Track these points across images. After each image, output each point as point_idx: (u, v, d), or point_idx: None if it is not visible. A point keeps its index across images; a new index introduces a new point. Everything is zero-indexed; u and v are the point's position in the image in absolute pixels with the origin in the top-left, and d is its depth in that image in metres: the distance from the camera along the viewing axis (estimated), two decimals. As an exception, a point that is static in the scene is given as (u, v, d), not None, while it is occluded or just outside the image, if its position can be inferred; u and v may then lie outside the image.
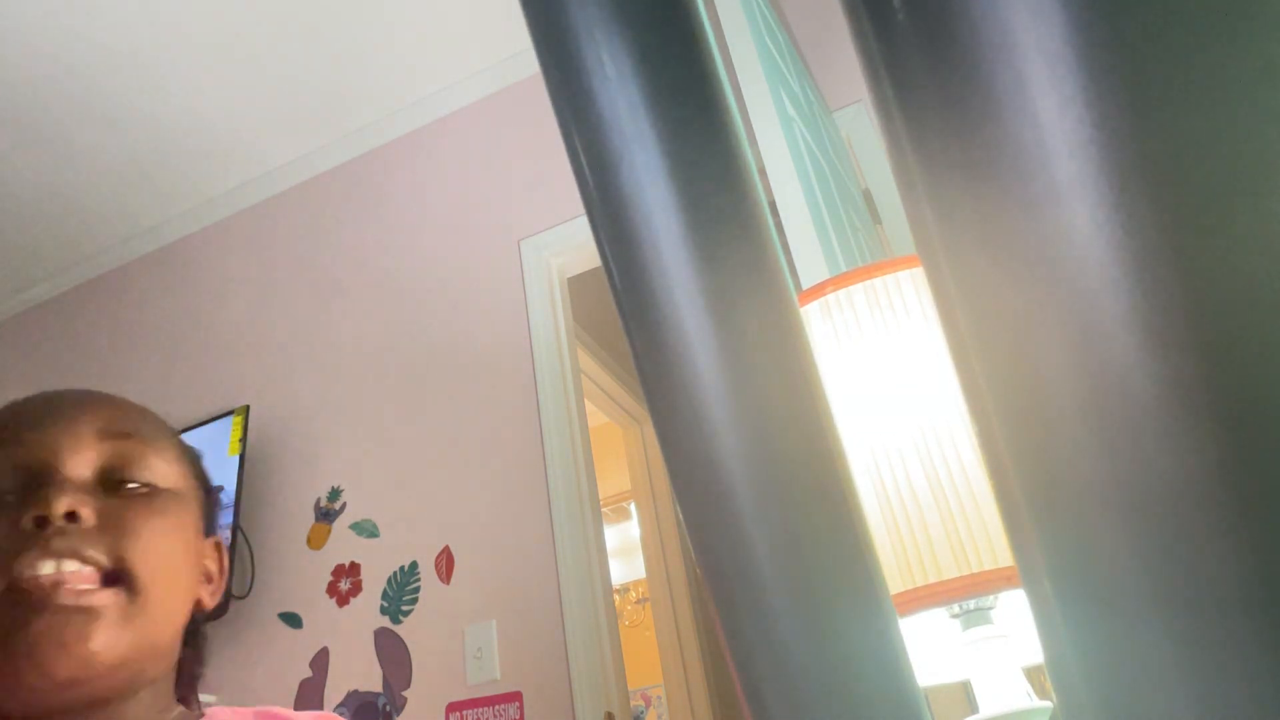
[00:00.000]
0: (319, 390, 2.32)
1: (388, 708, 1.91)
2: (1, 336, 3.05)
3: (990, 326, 0.14)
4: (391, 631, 1.99)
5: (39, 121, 2.38)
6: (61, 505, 0.49)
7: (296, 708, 1.98)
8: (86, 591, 0.48)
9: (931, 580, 0.60)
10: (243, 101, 2.43)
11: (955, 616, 0.69)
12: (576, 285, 2.39)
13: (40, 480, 0.52)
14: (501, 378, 2.12)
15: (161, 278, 2.79)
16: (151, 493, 0.55)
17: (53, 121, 2.38)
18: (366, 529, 2.12)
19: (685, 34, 0.20)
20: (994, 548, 0.60)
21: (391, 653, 1.97)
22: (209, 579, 0.62)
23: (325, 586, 2.09)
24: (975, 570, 0.60)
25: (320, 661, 2.02)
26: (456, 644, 1.91)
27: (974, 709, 0.75)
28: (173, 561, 0.54)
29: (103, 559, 0.50)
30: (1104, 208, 0.12)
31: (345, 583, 2.08)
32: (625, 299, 0.20)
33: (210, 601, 0.61)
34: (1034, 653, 0.76)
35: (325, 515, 2.17)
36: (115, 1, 2.10)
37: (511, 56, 2.45)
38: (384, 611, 2.01)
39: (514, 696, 1.81)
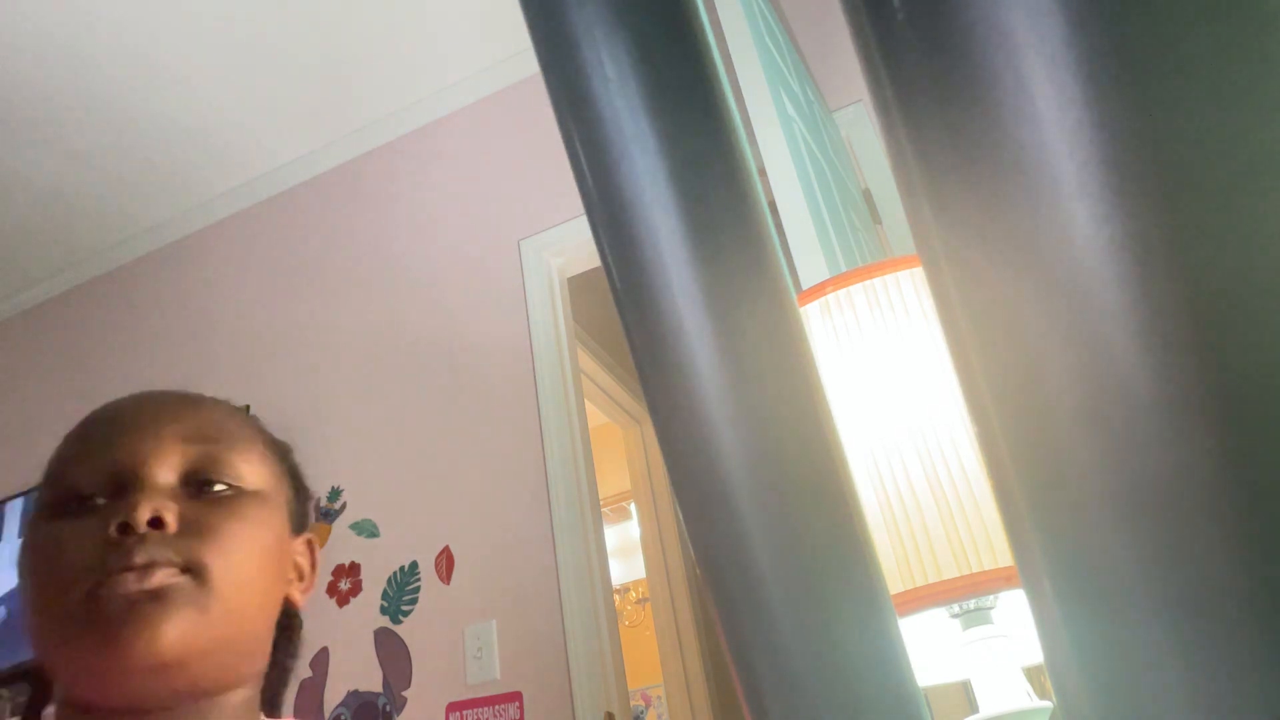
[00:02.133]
0: (319, 390, 2.32)
1: (388, 708, 1.91)
2: (2, 336, 3.05)
3: (990, 326, 0.14)
4: (391, 631, 1.99)
5: (40, 121, 2.38)
6: (145, 513, 0.51)
7: (296, 708, 1.98)
8: (159, 578, 0.50)
9: (931, 580, 0.60)
10: (243, 101, 2.43)
11: (955, 616, 0.69)
12: (576, 285, 2.39)
13: (127, 485, 0.54)
14: (501, 378, 2.12)
15: (162, 277, 2.80)
16: (235, 495, 0.57)
17: (54, 121, 2.38)
18: (366, 529, 2.12)
19: (685, 34, 0.20)
20: (994, 548, 0.60)
21: (391, 653, 1.97)
22: (300, 576, 0.63)
23: (325, 586, 2.09)
24: (975, 570, 0.60)
25: (320, 661, 2.02)
26: (456, 644, 1.91)
27: (974, 709, 0.75)
28: (251, 560, 0.55)
29: (179, 560, 0.51)
30: (1103, 208, 0.12)
31: (345, 583, 2.08)
32: (625, 299, 0.20)
33: (301, 598, 0.63)
34: (1034, 653, 0.76)
35: (325, 515, 2.17)
36: (116, 1, 2.10)
37: (511, 56, 2.45)
38: (384, 611, 2.01)
39: (514, 696, 1.81)
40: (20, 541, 0.54)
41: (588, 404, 2.48)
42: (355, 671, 1.98)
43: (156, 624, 0.48)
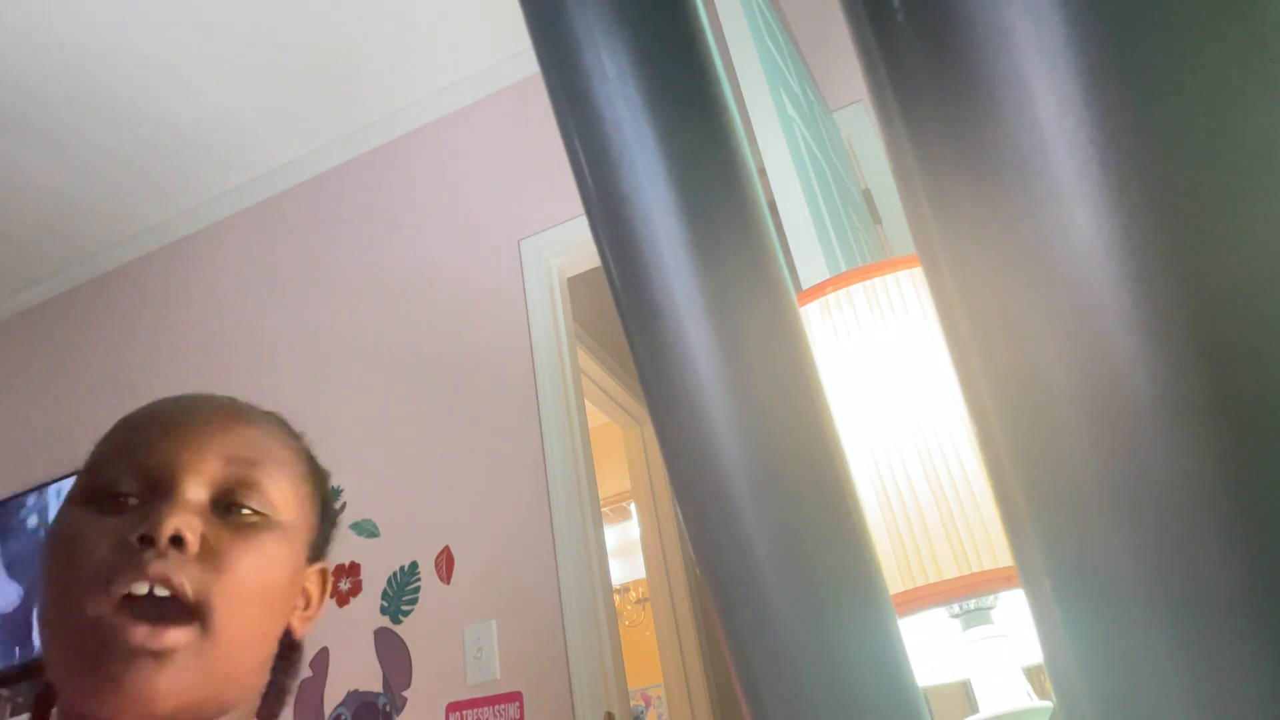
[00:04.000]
0: (319, 390, 2.32)
1: (388, 708, 1.91)
2: (2, 336, 3.05)
3: (990, 326, 0.14)
4: (391, 631, 1.99)
5: (40, 121, 2.38)
6: (169, 529, 0.52)
7: (296, 708, 1.99)
8: (159, 634, 0.50)
9: (931, 580, 0.60)
10: (244, 101, 2.43)
11: (955, 616, 0.69)
12: (576, 285, 2.39)
13: (159, 491, 0.54)
14: (501, 378, 2.12)
15: (162, 277, 2.80)
16: (260, 524, 0.57)
17: (54, 121, 2.38)
18: (366, 529, 2.12)
19: (685, 34, 0.20)
20: (994, 548, 0.60)
21: (391, 653, 1.97)
22: (307, 603, 0.63)
23: (325, 586, 2.09)
24: (975, 570, 0.60)
25: (320, 661, 2.02)
26: (456, 644, 1.91)
27: (974, 709, 0.76)
28: (258, 598, 0.55)
29: (189, 589, 0.51)
30: (1103, 207, 0.12)
31: (345, 583, 2.08)
32: (625, 299, 0.20)
33: (301, 628, 0.62)
34: (1034, 653, 0.76)
35: (325, 515, 2.17)
36: (116, 0, 2.10)
37: (512, 56, 2.45)
38: (384, 611, 2.01)
39: (514, 696, 1.81)
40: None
41: (588, 404, 2.48)
42: (355, 671, 1.98)
43: (156, 682, 0.49)
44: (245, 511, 0.56)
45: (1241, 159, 0.11)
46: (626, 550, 4.63)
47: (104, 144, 2.48)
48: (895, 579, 0.62)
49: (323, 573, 0.65)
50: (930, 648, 0.77)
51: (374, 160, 2.58)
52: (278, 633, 0.59)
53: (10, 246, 2.80)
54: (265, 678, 0.60)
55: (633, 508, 3.68)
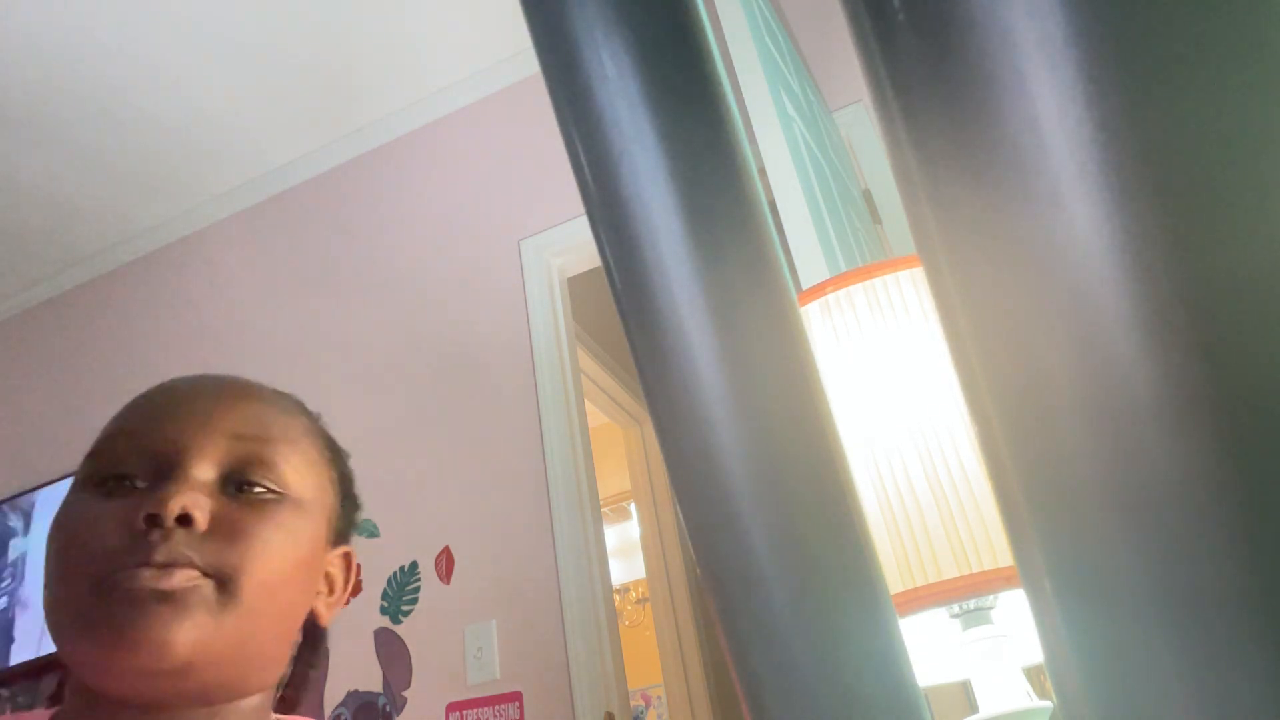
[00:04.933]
0: (319, 389, 2.32)
1: (388, 708, 1.91)
2: (1, 336, 3.05)
3: (990, 326, 0.14)
4: (391, 631, 1.99)
5: (40, 121, 2.38)
6: (175, 507, 0.49)
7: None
8: (167, 574, 0.48)
9: (931, 580, 0.60)
10: (242, 101, 2.43)
11: (955, 616, 0.69)
12: (576, 285, 2.39)
13: (165, 472, 0.52)
14: (501, 378, 2.12)
15: (162, 277, 2.79)
16: (274, 500, 0.54)
17: (54, 121, 2.38)
18: (366, 529, 2.12)
19: (685, 34, 0.20)
20: (994, 548, 0.60)
21: (391, 653, 1.97)
22: (331, 589, 0.60)
23: (325, 586, 2.09)
24: (975, 570, 0.60)
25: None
26: (456, 644, 1.91)
27: (974, 709, 0.76)
28: (279, 572, 0.52)
29: (201, 563, 0.49)
30: (1105, 208, 0.12)
31: (345, 583, 2.08)
32: (625, 299, 0.20)
33: (327, 613, 0.60)
34: (1034, 653, 0.76)
35: (325, 515, 2.17)
36: (115, 1, 2.10)
37: (511, 56, 2.45)
38: (384, 611, 2.01)
39: (514, 696, 1.81)
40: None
41: (588, 404, 2.48)
42: (355, 671, 1.98)
43: (168, 626, 0.46)
44: (258, 489, 0.54)
45: (1242, 159, 0.11)
46: (626, 550, 4.63)
47: (104, 144, 2.48)
48: (895, 579, 0.62)
49: (347, 557, 0.62)
50: (930, 648, 0.77)
51: (374, 160, 2.58)
52: (301, 613, 0.56)
53: (10, 247, 2.80)
54: (287, 663, 0.57)
55: (633, 508, 3.68)
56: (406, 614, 1.99)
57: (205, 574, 0.49)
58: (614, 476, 4.31)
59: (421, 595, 1.99)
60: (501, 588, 1.92)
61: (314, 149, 2.64)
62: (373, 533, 2.11)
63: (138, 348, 2.72)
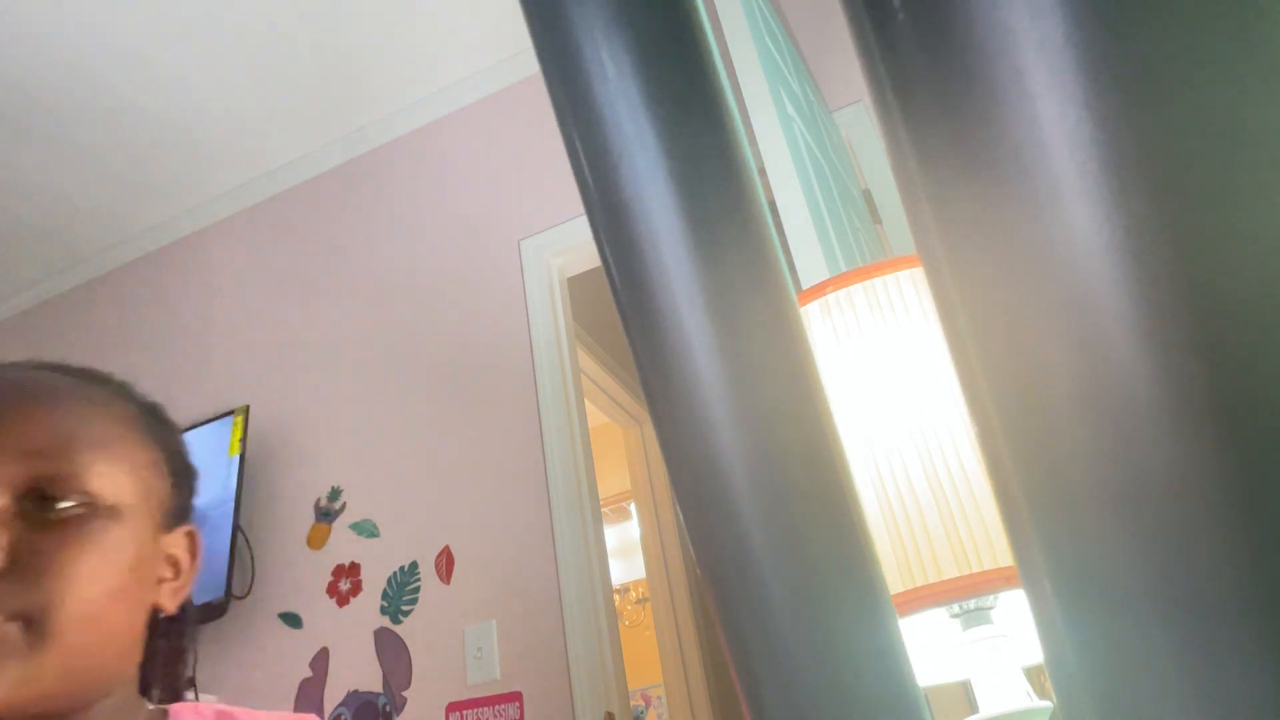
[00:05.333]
0: (319, 390, 2.32)
1: (388, 708, 1.91)
2: (1, 336, 3.05)
3: (990, 326, 0.14)
4: (391, 631, 1.99)
5: (40, 121, 2.38)
6: None
7: (296, 708, 1.98)
8: None
9: (931, 580, 0.60)
10: (243, 101, 2.43)
11: (955, 616, 0.69)
12: (576, 285, 2.39)
13: None
14: (501, 378, 2.12)
15: (162, 277, 2.80)
16: (86, 513, 0.49)
17: (53, 121, 2.38)
18: (366, 529, 2.12)
19: (685, 34, 0.20)
20: (994, 548, 0.60)
21: (391, 653, 1.97)
22: (176, 573, 0.56)
23: (325, 586, 2.09)
24: (975, 570, 0.60)
25: (320, 661, 2.02)
26: (456, 644, 1.91)
27: (974, 709, 0.76)
28: (98, 597, 0.48)
29: (5, 610, 0.44)
30: (1104, 208, 0.12)
31: (345, 583, 2.08)
32: (625, 299, 0.20)
33: (170, 602, 0.55)
34: (1034, 653, 0.76)
35: (325, 515, 2.17)
36: (115, 1, 2.10)
37: (511, 56, 2.45)
38: (384, 611, 2.01)
39: (514, 696, 1.81)
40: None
41: (588, 404, 2.48)
42: (355, 671, 1.98)
43: None
44: (65, 505, 0.48)
45: (1242, 159, 0.11)
46: (626, 550, 4.63)
47: (104, 144, 2.48)
48: (895, 579, 0.62)
49: (190, 535, 0.58)
50: (930, 648, 0.77)
51: (374, 160, 2.58)
52: (138, 619, 0.52)
53: (10, 247, 2.80)
54: (134, 660, 0.53)
55: (633, 508, 3.68)
56: (406, 614, 1.99)
57: (10, 618, 0.44)
58: (614, 476, 4.31)
59: (421, 595, 1.99)
60: (501, 588, 1.92)
61: (314, 149, 2.64)
62: (373, 533, 2.11)
63: (137, 348, 2.72)
